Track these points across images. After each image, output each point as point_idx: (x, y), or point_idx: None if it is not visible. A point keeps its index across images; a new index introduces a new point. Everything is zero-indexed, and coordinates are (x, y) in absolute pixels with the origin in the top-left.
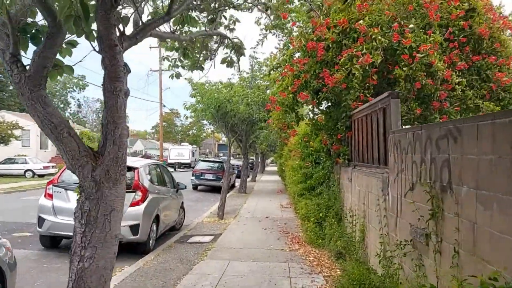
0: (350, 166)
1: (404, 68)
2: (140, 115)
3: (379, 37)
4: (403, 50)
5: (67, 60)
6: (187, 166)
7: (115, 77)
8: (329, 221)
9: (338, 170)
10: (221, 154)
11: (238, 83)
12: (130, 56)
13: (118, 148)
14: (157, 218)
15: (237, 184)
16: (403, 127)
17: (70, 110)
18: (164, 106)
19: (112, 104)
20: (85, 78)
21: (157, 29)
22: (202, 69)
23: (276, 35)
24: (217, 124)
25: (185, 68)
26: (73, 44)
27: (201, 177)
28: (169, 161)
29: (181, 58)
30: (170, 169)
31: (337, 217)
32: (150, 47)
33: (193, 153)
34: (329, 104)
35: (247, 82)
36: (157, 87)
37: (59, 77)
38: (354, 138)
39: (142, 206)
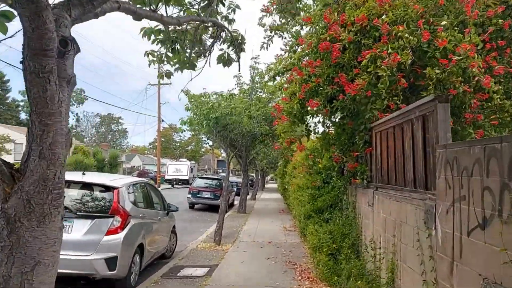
0: (370, 187)
1: (437, 71)
2: (139, 130)
3: (406, 35)
4: (435, 51)
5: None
6: (185, 182)
7: (40, 49)
8: (344, 253)
9: (354, 192)
10: (220, 171)
11: (239, 95)
12: (131, 70)
13: (48, 163)
14: (141, 247)
15: (236, 202)
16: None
17: (68, 124)
18: (163, 120)
19: (38, 93)
20: (84, 92)
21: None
22: (194, 67)
23: (282, 37)
24: (215, 137)
25: (172, 65)
26: (8, 16)
27: (198, 195)
28: (166, 177)
29: (168, 54)
30: (167, 186)
31: (354, 248)
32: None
33: (192, 169)
34: (344, 114)
35: (247, 94)
36: (156, 101)
37: None
38: (375, 154)
39: (122, 234)
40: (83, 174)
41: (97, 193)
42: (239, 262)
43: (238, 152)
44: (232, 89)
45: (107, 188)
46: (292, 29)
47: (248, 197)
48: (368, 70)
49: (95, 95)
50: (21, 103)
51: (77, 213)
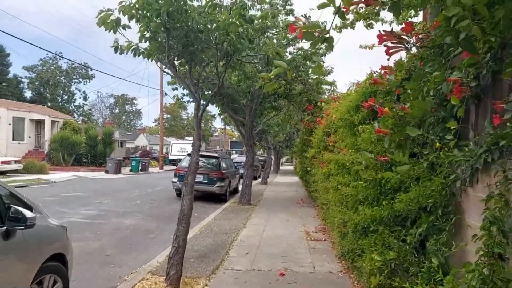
0: None
1: None
2: (143, 104)
3: None
4: None
5: None
6: None
7: None
8: None
9: None
10: (234, 152)
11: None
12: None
13: None
14: None
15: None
16: None
17: (75, 103)
18: (166, 94)
19: None
20: (91, 69)
21: None
22: None
23: None
24: (166, 58)
25: None
26: None
27: None
28: (170, 157)
29: None
30: (172, 167)
31: None
32: None
33: None
34: None
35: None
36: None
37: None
38: None
39: None
40: None
41: None
42: None
43: (239, 117)
44: None
45: None
46: None
47: (257, 182)
48: None
49: (102, 67)
50: (24, 80)
51: None
